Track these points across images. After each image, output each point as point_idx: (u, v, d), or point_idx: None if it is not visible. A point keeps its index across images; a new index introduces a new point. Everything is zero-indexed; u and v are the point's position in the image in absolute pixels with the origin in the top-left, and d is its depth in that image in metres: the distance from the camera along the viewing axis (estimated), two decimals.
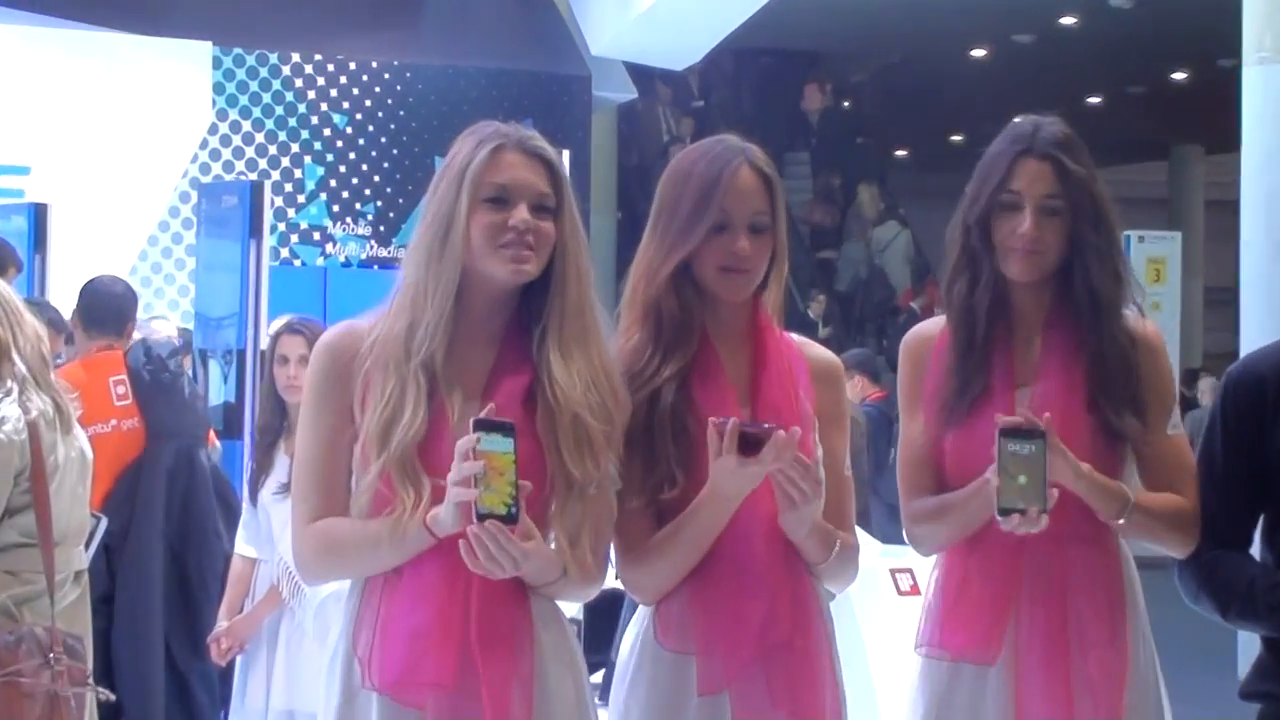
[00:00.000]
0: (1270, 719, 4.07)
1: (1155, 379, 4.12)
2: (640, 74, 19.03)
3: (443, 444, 3.55)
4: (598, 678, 6.14)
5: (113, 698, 5.23)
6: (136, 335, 8.05)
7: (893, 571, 7.85)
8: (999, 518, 3.83)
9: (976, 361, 4.07)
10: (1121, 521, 4.01)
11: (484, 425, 3.45)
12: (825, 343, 4.11)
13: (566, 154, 7.31)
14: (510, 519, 3.43)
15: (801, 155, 23.69)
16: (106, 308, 7.88)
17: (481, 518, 3.43)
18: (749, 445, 3.65)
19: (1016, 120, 4.14)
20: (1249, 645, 6.76)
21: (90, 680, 5.03)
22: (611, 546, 3.83)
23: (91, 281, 7.98)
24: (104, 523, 5.66)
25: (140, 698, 7.60)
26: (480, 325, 3.68)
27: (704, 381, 3.83)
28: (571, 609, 4.54)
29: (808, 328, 17.97)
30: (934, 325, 4.20)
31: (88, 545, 5.35)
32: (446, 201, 3.61)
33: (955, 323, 4.13)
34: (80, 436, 5.26)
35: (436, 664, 3.58)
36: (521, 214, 3.58)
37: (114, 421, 7.56)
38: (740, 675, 3.82)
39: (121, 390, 7.62)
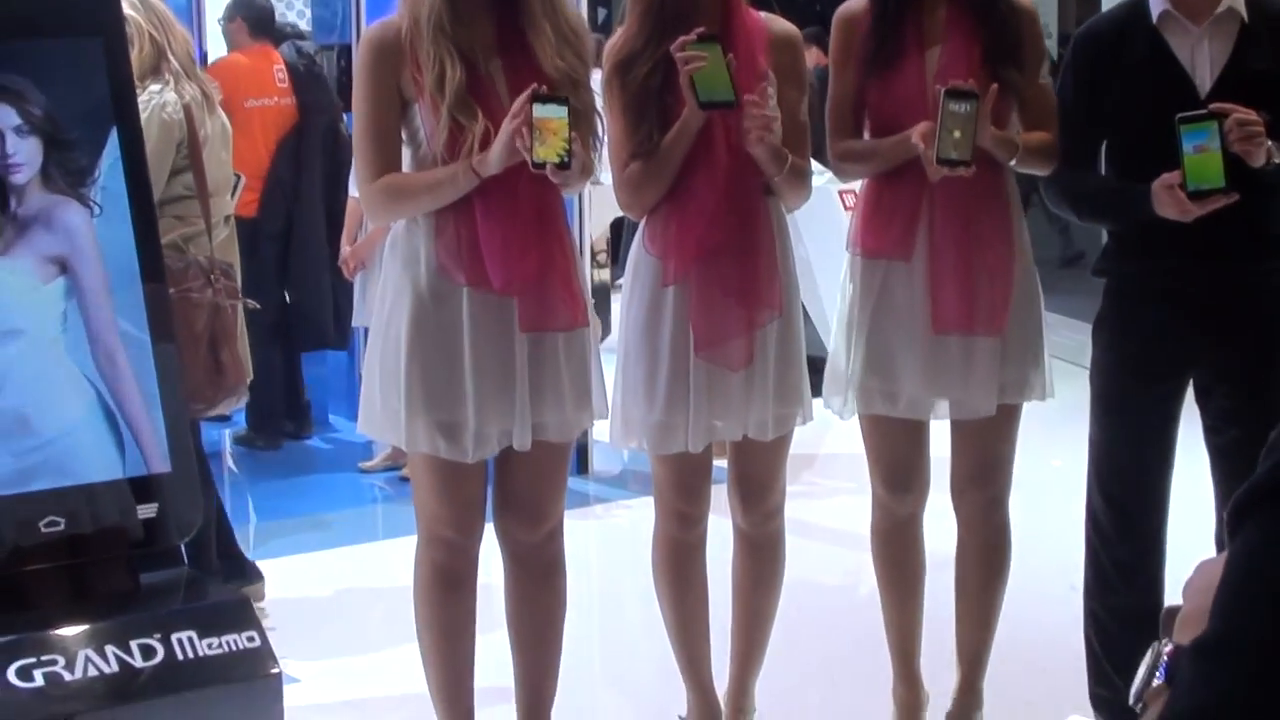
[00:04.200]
0: (1112, 287, 4.10)
1: (1032, 38, 4.02)
2: None
3: (481, 86, 3.56)
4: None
5: (258, 307, 5.27)
6: None
7: (840, 192, 7.79)
8: (935, 164, 3.75)
9: (890, 26, 3.96)
10: (1013, 162, 3.95)
11: (540, 98, 3.45)
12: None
13: None
14: (564, 165, 3.45)
15: None
16: (264, 15, 7.94)
17: (537, 166, 3.44)
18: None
19: None
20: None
21: (240, 294, 5.06)
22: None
23: None
24: (243, 180, 5.69)
25: (314, 297, 7.87)
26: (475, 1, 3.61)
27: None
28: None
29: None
30: (859, 2, 4.07)
31: (232, 195, 5.34)
32: None
33: None
34: (221, 115, 5.27)
35: (527, 260, 3.60)
36: None
37: (275, 98, 7.69)
38: (696, 270, 3.83)
39: (280, 75, 7.74)
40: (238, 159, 7.45)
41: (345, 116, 7.64)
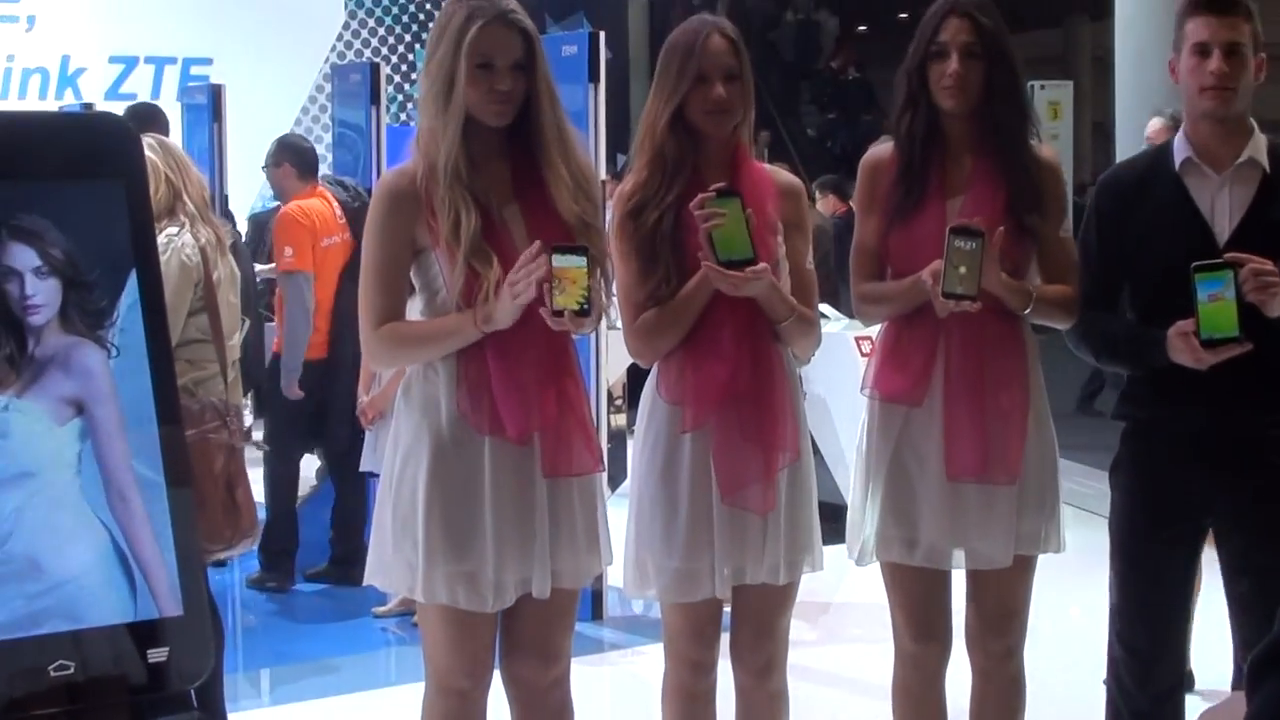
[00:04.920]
0: (1129, 431, 4.13)
1: (1054, 192, 4.07)
2: None
3: (496, 232, 3.60)
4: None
5: (268, 449, 5.28)
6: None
7: (857, 339, 7.81)
8: (941, 299, 3.80)
9: (915, 176, 4.03)
10: (1027, 311, 3.98)
11: (559, 248, 3.50)
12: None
13: (602, 34, 7.19)
14: (583, 313, 3.49)
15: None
16: (310, 157, 8.12)
17: (556, 314, 3.48)
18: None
19: None
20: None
21: (248, 434, 5.08)
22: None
23: (296, 141, 8.26)
24: (248, 323, 5.71)
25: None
26: (490, 146, 3.66)
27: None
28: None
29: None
30: (886, 149, 4.14)
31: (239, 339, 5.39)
32: (446, 65, 3.60)
33: (900, 146, 4.08)
34: (231, 259, 5.29)
35: (546, 403, 3.62)
36: (504, 80, 3.59)
37: (337, 236, 7.83)
38: (716, 417, 3.83)
39: (339, 212, 7.89)
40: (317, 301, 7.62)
41: None
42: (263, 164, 8.28)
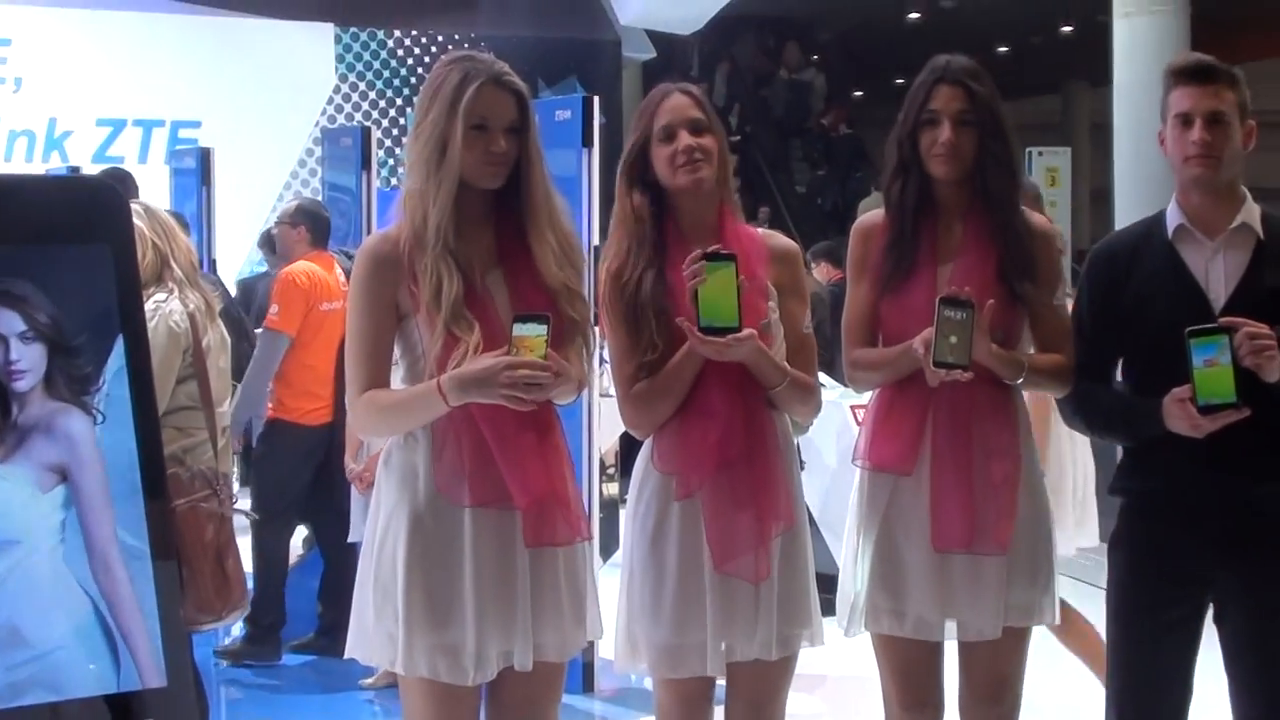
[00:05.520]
0: (1129, 506, 4.10)
1: (1046, 259, 4.08)
2: (658, 38, 18.89)
3: (478, 299, 3.58)
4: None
5: (257, 518, 5.26)
6: None
7: (852, 408, 7.83)
8: (932, 368, 3.81)
9: (907, 243, 4.04)
10: (1019, 381, 3.98)
11: (521, 317, 3.49)
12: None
13: (596, 99, 7.21)
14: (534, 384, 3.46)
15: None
16: (326, 226, 8.09)
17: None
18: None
19: (934, 58, 4.10)
20: None
21: (235, 501, 5.07)
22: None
23: (316, 208, 8.20)
24: (240, 389, 5.70)
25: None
26: (477, 210, 3.66)
27: (677, 269, 3.78)
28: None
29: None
30: (877, 215, 4.16)
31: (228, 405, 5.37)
32: (439, 125, 3.60)
33: (891, 214, 4.09)
34: (220, 325, 5.29)
35: (528, 475, 3.57)
36: (499, 142, 3.59)
37: (340, 302, 7.71)
38: (708, 484, 3.81)
39: (342, 278, 7.80)
40: (312, 365, 7.58)
41: None
42: (276, 220, 8.29)
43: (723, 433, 3.81)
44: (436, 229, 3.58)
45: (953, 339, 3.80)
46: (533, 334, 3.46)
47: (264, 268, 10.59)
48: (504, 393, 3.45)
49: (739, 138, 21.07)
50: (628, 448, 9.64)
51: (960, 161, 4.00)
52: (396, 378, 3.71)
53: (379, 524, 3.67)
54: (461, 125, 3.58)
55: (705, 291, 3.67)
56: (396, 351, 3.69)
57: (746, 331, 3.70)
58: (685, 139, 3.83)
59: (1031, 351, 4.06)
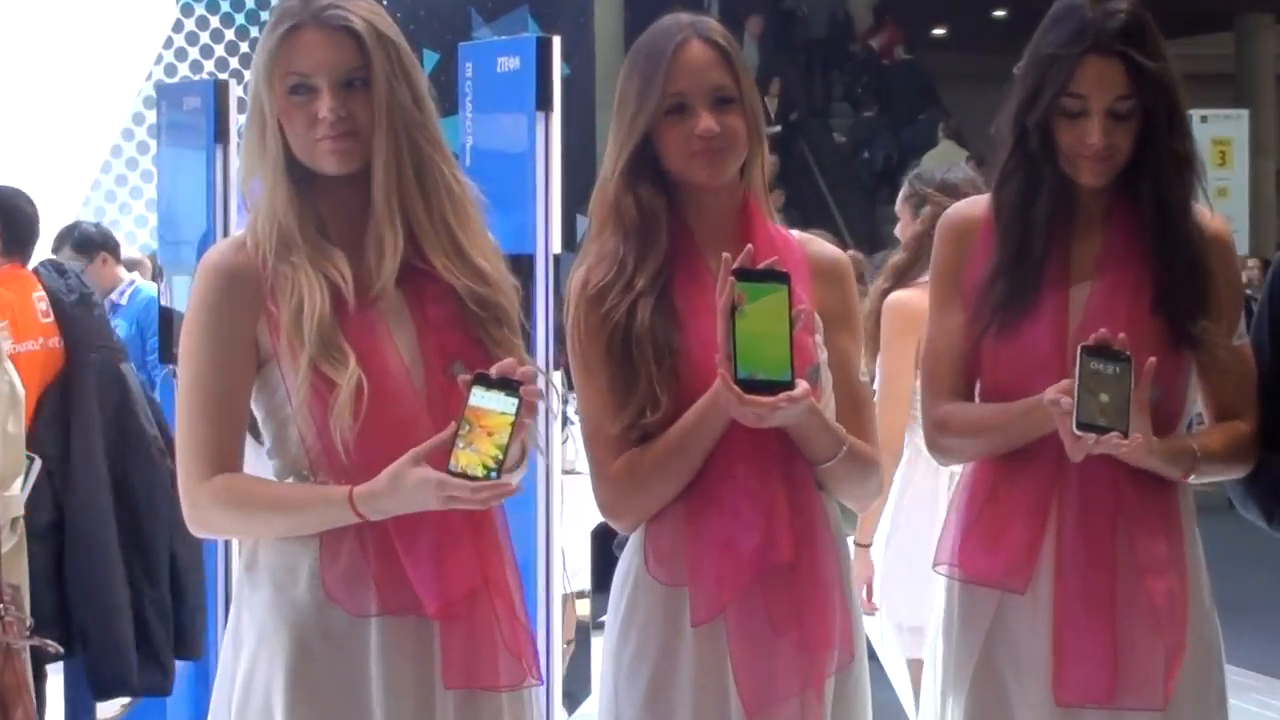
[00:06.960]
0: None
1: (1226, 281, 4.06)
2: None
3: (349, 324, 3.58)
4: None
5: (61, 650, 5.26)
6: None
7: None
8: (1075, 432, 3.75)
9: (1032, 266, 4.00)
10: (1191, 479, 3.97)
11: (482, 379, 3.44)
12: None
13: (557, 40, 7.20)
14: (486, 476, 3.42)
15: None
16: (30, 226, 7.88)
17: (452, 474, 3.42)
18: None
19: None
20: None
21: (31, 629, 5.06)
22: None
23: (12, 196, 7.91)
24: (38, 463, 5.68)
25: (104, 625, 7.44)
26: (344, 200, 3.68)
27: (687, 287, 3.79)
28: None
29: None
30: (975, 206, 4.15)
31: (23, 486, 5.36)
32: (256, 96, 3.63)
33: (1006, 226, 4.05)
34: (10, 370, 5.26)
35: (445, 568, 3.57)
36: (326, 104, 3.59)
37: (41, 340, 7.54)
38: (736, 603, 3.77)
39: (44, 308, 7.61)
40: None
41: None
42: None
43: (764, 530, 3.76)
44: (273, 230, 3.61)
45: (1103, 397, 3.75)
46: (497, 409, 3.43)
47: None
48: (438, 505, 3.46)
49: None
50: (602, 545, 9.65)
51: (1115, 165, 3.98)
52: (258, 460, 3.71)
53: (241, 658, 3.68)
54: (272, 91, 3.61)
55: (745, 327, 3.58)
56: (254, 410, 3.69)
57: (802, 387, 3.63)
58: (706, 120, 3.80)
59: (1199, 413, 4.05)
